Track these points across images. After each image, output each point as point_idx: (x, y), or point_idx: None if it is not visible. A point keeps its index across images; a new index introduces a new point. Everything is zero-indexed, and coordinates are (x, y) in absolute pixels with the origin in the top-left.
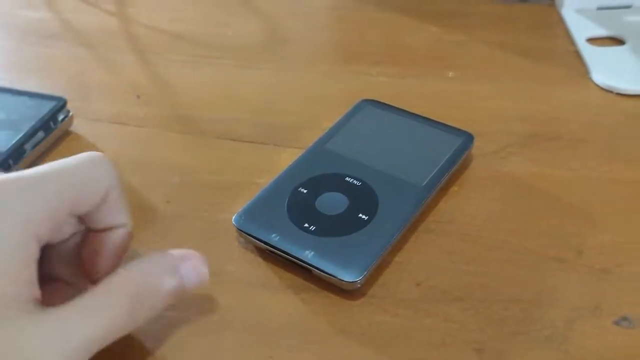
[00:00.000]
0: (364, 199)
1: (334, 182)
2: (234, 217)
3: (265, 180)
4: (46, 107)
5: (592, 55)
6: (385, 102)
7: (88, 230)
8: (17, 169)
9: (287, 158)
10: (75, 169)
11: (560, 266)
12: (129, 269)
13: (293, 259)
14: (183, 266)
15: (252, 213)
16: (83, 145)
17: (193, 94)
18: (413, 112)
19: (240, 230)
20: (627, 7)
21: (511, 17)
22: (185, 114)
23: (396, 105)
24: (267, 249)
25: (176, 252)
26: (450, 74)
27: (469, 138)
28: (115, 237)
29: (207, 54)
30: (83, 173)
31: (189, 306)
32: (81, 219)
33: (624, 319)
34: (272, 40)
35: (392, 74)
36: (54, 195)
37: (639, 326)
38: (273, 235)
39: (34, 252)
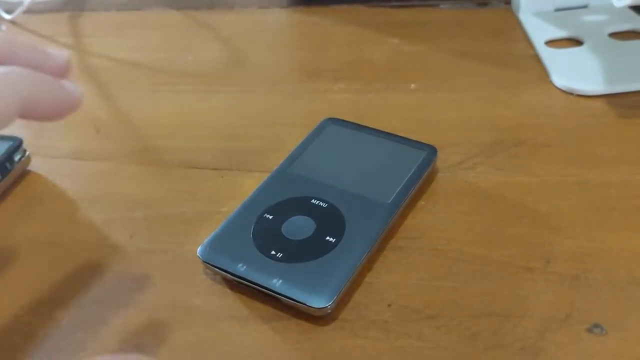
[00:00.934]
0: (330, 221)
1: (300, 205)
2: (198, 249)
3: (230, 208)
4: (1, 148)
5: (552, 58)
6: (348, 120)
7: None
8: None
9: (252, 183)
10: None
11: (529, 276)
12: None
13: (261, 289)
14: None
15: (217, 244)
16: (42, 184)
17: (154, 124)
18: (376, 128)
19: (206, 262)
20: (584, 6)
21: (469, 23)
22: (146, 145)
23: (359, 122)
24: (234, 280)
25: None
26: (412, 85)
27: (432, 151)
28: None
29: (168, 81)
30: None
31: (156, 344)
32: None
33: (596, 325)
34: (233, 63)
35: (354, 89)
36: None
37: (611, 332)
38: (239, 265)
39: None
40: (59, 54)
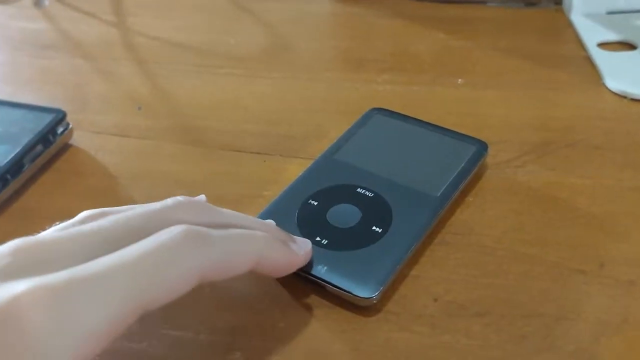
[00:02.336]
0: (377, 210)
1: (346, 193)
2: None
3: (273, 193)
4: (45, 120)
5: (604, 61)
6: (395, 111)
7: None
8: (15, 184)
9: (294, 169)
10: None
11: (582, 278)
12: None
13: (305, 274)
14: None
15: None
16: (83, 158)
17: (196, 104)
18: (423, 120)
19: None
20: (638, 11)
21: (519, 22)
22: (188, 125)
23: (405, 114)
24: None
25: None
26: (460, 80)
27: (482, 146)
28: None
29: (210, 63)
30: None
31: (197, 326)
32: None
33: None
34: (276, 49)
35: (399, 81)
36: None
37: None
38: None
39: None
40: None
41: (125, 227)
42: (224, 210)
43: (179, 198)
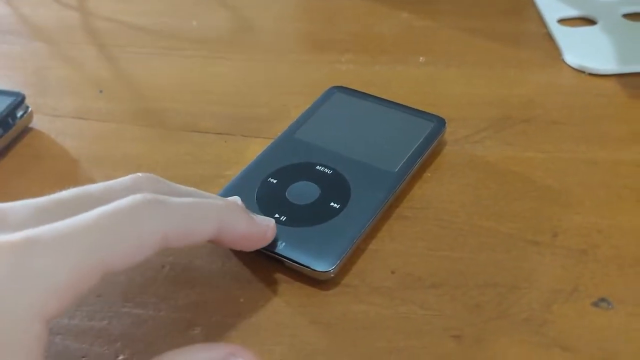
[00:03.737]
0: (335, 187)
1: (305, 171)
2: None
3: (234, 172)
4: (4, 103)
5: (564, 36)
6: (354, 89)
7: None
8: None
9: (255, 149)
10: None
11: (536, 249)
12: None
13: (264, 251)
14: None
15: None
16: (43, 142)
17: (157, 87)
18: (384, 98)
19: None
20: None
21: (482, 1)
22: (149, 107)
23: (365, 92)
24: None
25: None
26: (421, 59)
27: (441, 122)
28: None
29: (172, 46)
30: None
31: (158, 303)
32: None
33: (603, 300)
34: (238, 30)
35: (361, 61)
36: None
37: (617, 307)
38: None
39: (43, 337)
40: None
41: (83, 196)
42: (188, 187)
43: (139, 174)
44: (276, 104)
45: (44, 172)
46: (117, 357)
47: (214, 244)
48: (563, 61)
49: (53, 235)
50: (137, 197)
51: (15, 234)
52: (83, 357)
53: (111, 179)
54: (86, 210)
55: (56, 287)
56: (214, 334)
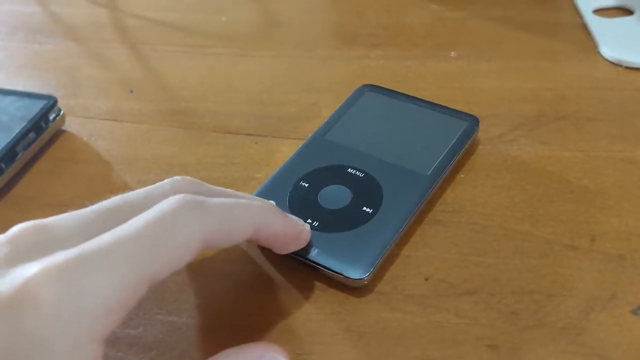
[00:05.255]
0: (367, 191)
1: (336, 174)
2: None
3: (265, 175)
4: (36, 106)
5: (600, 28)
6: (386, 87)
7: None
8: (9, 172)
9: (286, 150)
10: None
11: (573, 254)
12: None
13: (298, 257)
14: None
15: None
16: (76, 144)
17: (187, 86)
18: (415, 96)
19: None
20: None
21: None
22: (179, 107)
23: (397, 89)
24: None
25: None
26: (453, 53)
27: (474, 122)
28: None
29: (201, 44)
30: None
31: (187, 310)
32: None
33: None
34: (267, 26)
35: (391, 56)
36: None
37: None
38: None
39: (100, 355)
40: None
41: (124, 204)
42: (223, 188)
43: (176, 177)
44: (305, 103)
45: (77, 176)
46: None
47: (249, 244)
48: (599, 54)
49: (100, 251)
50: (177, 199)
51: (65, 252)
52: None
53: (143, 183)
54: (128, 219)
55: (109, 305)
56: (246, 340)
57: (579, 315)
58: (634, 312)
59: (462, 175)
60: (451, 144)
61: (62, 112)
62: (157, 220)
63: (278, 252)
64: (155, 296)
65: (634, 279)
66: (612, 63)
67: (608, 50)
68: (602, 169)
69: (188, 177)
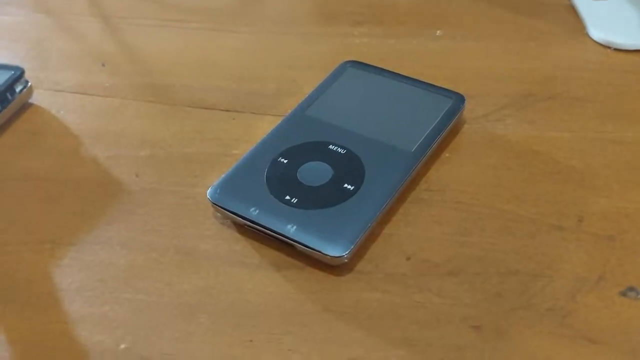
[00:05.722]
0: (349, 167)
1: (317, 150)
2: (208, 191)
3: (242, 151)
4: (2, 77)
5: (588, 9)
6: (370, 63)
7: None
8: None
9: (265, 127)
10: None
11: (560, 235)
12: None
13: (274, 234)
14: None
15: (228, 186)
16: (44, 118)
17: (162, 60)
18: (399, 73)
19: (216, 204)
20: None
21: None
22: (154, 82)
23: (380, 66)
24: (246, 224)
25: None
26: (438, 32)
27: (460, 99)
28: None
29: (177, 18)
30: None
31: (160, 289)
32: None
33: (631, 289)
34: (247, 2)
35: (376, 34)
36: None
37: None
38: (252, 209)
39: None
40: None
41: None
42: None
43: None
44: (285, 79)
45: (44, 149)
46: (119, 345)
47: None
48: (587, 35)
49: None
50: None
51: None
52: (82, 344)
53: (113, 157)
54: None
55: None
56: (220, 321)
57: (565, 296)
58: (623, 294)
59: (447, 154)
60: (436, 122)
61: (29, 84)
62: None
63: None
64: (122, 273)
65: (623, 260)
66: (601, 45)
67: (597, 32)
68: (590, 150)
69: None
